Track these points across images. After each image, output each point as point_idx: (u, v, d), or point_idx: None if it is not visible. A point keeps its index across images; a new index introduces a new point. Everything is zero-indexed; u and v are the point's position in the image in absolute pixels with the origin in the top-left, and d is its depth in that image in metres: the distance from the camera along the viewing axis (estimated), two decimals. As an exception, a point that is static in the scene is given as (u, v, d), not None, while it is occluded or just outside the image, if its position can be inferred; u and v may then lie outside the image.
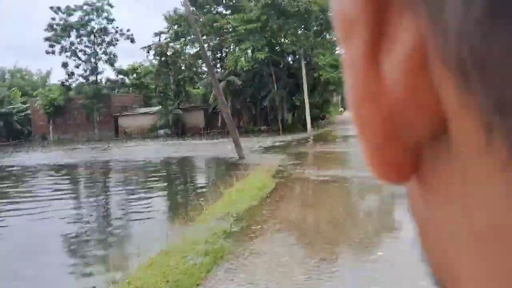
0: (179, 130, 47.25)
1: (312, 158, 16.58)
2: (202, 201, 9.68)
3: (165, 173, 17.45)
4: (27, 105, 52.58)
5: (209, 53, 50.87)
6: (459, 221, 0.17)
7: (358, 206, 8.78)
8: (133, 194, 12.76)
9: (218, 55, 50.35)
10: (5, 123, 50.51)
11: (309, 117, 39.98)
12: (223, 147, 25.21)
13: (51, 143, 49.28)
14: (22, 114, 52.41)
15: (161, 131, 48.31)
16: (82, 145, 41.59)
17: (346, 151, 18.49)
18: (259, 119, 45.79)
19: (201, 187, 13.04)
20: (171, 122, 46.33)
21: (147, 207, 10.51)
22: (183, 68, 46.55)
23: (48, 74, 73.34)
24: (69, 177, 18.13)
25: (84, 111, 49.95)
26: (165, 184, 14.87)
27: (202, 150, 25.02)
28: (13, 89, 54.46)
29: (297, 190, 10.14)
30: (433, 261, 0.20)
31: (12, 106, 50.97)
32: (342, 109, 75.02)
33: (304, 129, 39.85)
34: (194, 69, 49.29)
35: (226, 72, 43.64)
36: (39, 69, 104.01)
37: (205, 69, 53.04)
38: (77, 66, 48.92)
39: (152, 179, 15.63)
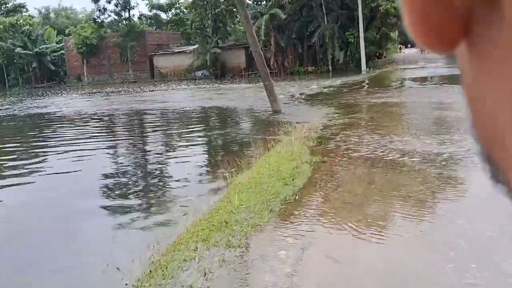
0: (218, 71, 43.00)
1: (368, 114, 12.03)
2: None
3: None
4: (62, 44, 49.78)
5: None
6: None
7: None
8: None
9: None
10: (39, 63, 48.18)
11: (364, 55, 34.43)
12: (262, 94, 20.94)
13: (85, 85, 46.77)
14: (56, 54, 49.79)
15: (199, 73, 44.29)
16: (117, 88, 38.56)
17: (414, 102, 13.70)
18: (306, 58, 40.54)
19: (202, 174, 8.99)
20: (209, 62, 42.04)
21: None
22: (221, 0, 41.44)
23: (93, 12, 70.18)
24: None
25: (118, 50, 46.58)
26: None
27: (238, 97, 20.82)
28: (47, 27, 51.54)
29: (348, 187, 5.85)
30: (482, 131, 0.20)
31: (45, 46, 48.31)
32: (401, 46, 67.46)
33: (358, 69, 34.50)
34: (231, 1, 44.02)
35: (270, 3, 38.23)
36: (84, 7, 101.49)
37: (248, 1, 47.90)
38: (108, 1, 44.93)
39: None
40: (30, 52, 47.42)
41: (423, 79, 22.73)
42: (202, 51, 42.61)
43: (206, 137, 11.42)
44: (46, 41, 50.13)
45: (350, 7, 36.21)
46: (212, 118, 14.93)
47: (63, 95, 35.59)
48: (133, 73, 47.14)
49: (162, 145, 11.27)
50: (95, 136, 12.57)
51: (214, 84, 35.12)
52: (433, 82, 21.12)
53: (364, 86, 21.85)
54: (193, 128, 13.25)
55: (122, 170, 8.63)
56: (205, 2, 40.93)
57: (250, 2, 46.54)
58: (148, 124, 15.38)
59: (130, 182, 7.62)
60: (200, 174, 7.73)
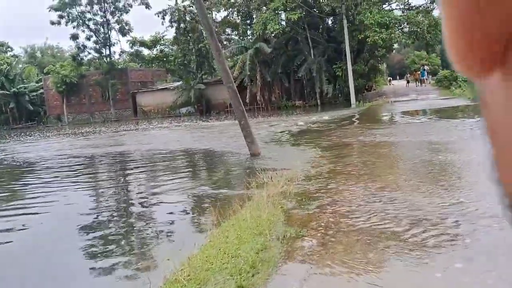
0: (203, 107, 41.48)
1: (360, 158, 10.21)
2: None
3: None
4: (41, 83, 48.18)
5: (237, 18, 44.66)
6: None
7: None
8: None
9: (248, 21, 43.71)
10: (16, 103, 46.37)
11: (353, 88, 33.10)
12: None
13: (65, 124, 44.92)
14: (35, 93, 48.10)
15: (183, 109, 42.75)
16: (99, 127, 36.76)
17: (411, 141, 12.01)
18: (293, 92, 39.21)
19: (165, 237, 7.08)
20: (194, 98, 40.56)
21: None
22: (204, 35, 40.33)
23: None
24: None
25: (99, 88, 45.05)
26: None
27: (219, 136, 19.01)
28: (26, 66, 50.09)
29: None
30: (507, 171, 0.18)
31: (23, 85, 46.65)
32: (390, 78, 66.78)
33: (347, 103, 33.09)
34: (221, 36, 42.98)
35: (254, 38, 37.12)
36: (71, 45, 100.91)
37: (233, 36, 46.92)
38: (88, 38, 43.67)
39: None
40: (8, 92, 45.70)
41: (416, 113, 21.20)
42: (186, 87, 41.21)
43: (154, 199, 9.50)
44: (25, 80, 48.54)
45: (337, 40, 35.21)
46: (180, 164, 13.02)
47: (35, 136, 33.62)
48: (115, 112, 45.49)
49: (104, 199, 9.33)
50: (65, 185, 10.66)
51: (197, 122, 33.46)
52: (427, 116, 19.56)
53: (354, 121, 20.24)
54: (147, 179, 11.37)
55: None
56: (188, 37, 39.81)
57: (235, 37, 45.67)
58: (106, 170, 13.47)
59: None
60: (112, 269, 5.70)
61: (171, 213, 7.24)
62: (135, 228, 6.67)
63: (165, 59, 50.44)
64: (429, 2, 32.84)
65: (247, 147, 12.31)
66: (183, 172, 11.37)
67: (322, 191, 7.11)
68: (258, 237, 5.04)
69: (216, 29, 44.34)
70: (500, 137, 0.18)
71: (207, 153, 14.49)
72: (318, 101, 36.89)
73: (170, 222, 6.67)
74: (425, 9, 32.88)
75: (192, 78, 41.09)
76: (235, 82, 39.30)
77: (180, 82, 42.64)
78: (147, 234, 6.28)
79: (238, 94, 12.51)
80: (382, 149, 10.94)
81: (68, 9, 42.36)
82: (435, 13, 33.19)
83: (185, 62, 41.02)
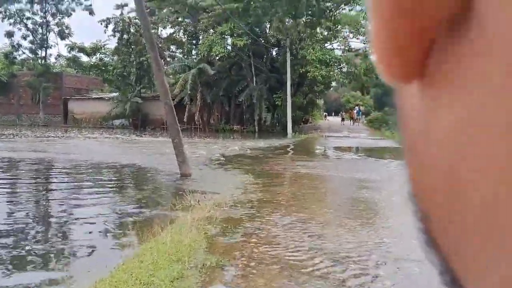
0: (138, 121, 40.36)
1: (290, 188, 10.18)
2: None
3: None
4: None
5: (183, 37, 44.41)
6: (481, 124, 0.14)
7: None
8: None
9: (194, 41, 43.58)
10: None
11: (291, 119, 33.75)
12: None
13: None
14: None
15: (117, 121, 41.37)
16: (25, 130, 34.47)
17: (342, 177, 12.23)
18: (232, 116, 39.28)
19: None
20: (129, 111, 39.41)
21: None
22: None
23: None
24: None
25: (30, 91, 42.57)
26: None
27: (151, 153, 18.32)
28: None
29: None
30: (426, 188, 0.18)
31: None
32: (325, 113, 69.12)
33: (284, 132, 33.63)
34: (164, 52, 42.42)
35: (198, 58, 36.99)
36: (6, 43, 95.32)
37: (178, 54, 46.51)
38: (24, 37, 41.39)
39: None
40: None
41: (348, 149, 21.86)
42: (123, 99, 40.01)
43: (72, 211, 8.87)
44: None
45: (280, 71, 35.95)
46: (103, 178, 12.33)
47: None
48: (44, 116, 43.06)
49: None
50: None
51: (130, 136, 32.38)
52: (358, 153, 20.20)
53: (289, 151, 20.46)
54: (71, 192, 10.66)
55: None
56: (130, 49, 38.91)
57: (179, 55, 45.30)
58: (18, 177, 12.46)
59: None
60: None
61: (84, 231, 6.69)
62: (38, 246, 6.06)
63: (103, 68, 48.81)
64: (367, 47, 34.57)
65: (178, 167, 11.93)
66: (105, 187, 10.73)
67: (249, 219, 6.91)
68: (176, 264, 4.72)
69: (160, 45, 43.90)
70: (416, 151, 0.18)
71: (134, 169, 13.88)
72: (256, 127, 37.18)
73: (82, 240, 6.14)
74: (363, 53, 34.54)
75: (130, 90, 40.01)
76: (174, 99, 38.76)
77: (117, 94, 41.35)
78: (53, 253, 5.72)
79: (175, 112, 12.17)
80: (313, 181, 11.01)
81: (5, 5, 40.08)
82: (372, 58, 34.92)
83: (125, 73, 39.94)
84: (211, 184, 10.64)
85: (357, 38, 34.60)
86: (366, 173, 12.54)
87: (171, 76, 41.48)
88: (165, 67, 40.76)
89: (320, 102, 68.70)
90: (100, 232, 6.59)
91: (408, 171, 0.19)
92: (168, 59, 46.39)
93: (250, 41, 35.34)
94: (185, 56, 43.06)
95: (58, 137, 29.56)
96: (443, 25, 0.15)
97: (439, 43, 0.16)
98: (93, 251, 5.81)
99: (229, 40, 36.45)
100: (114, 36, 40.44)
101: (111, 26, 39.37)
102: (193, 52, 43.07)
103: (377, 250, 5.44)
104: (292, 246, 5.50)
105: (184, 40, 44.21)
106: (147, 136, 31.74)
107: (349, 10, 35.28)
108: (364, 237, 5.92)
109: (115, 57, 43.49)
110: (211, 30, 37.52)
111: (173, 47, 47.20)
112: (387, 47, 0.16)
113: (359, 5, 33.89)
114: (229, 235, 6.00)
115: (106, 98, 42.16)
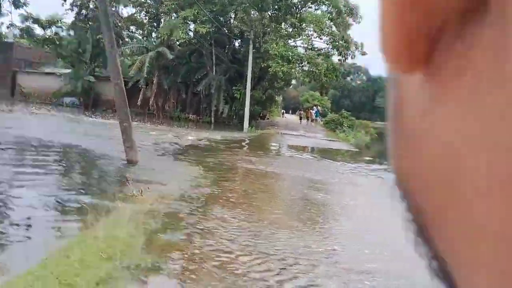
0: (90, 101, 38.69)
1: (242, 185, 9.74)
2: None
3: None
4: None
5: (145, 18, 42.94)
6: (484, 123, 0.14)
7: None
8: None
9: (155, 23, 42.17)
10: None
11: (248, 113, 33.37)
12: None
13: None
14: None
15: (67, 99, 39.45)
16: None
17: (295, 176, 11.98)
18: (189, 105, 38.42)
19: None
20: (81, 90, 37.70)
21: None
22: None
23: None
24: None
25: (-25, 59, 39.85)
26: None
27: (99, 135, 17.35)
28: None
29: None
30: (424, 183, 0.17)
31: None
32: (283, 111, 69.32)
33: (240, 126, 33.22)
34: (123, 32, 40.86)
35: (158, 41, 35.81)
36: None
37: (137, 35, 44.92)
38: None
39: None
40: None
41: (303, 149, 21.75)
42: (75, 77, 38.19)
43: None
44: None
45: (241, 62, 35.43)
46: (40, 159, 11.43)
47: None
48: (-12, 87, 40.40)
49: None
50: None
51: (79, 115, 30.90)
52: (313, 153, 20.10)
53: (244, 146, 20.07)
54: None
55: None
56: (87, 25, 37.17)
57: (139, 36, 43.77)
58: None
59: None
60: None
61: (7, 219, 5.98)
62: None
63: (58, 42, 46.37)
64: (330, 47, 34.65)
65: (125, 153, 11.25)
66: (41, 168, 9.89)
67: (195, 215, 6.45)
68: (106, 262, 4.20)
69: (119, 24, 42.25)
70: (415, 144, 0.18)
71: (77, 151, 13.02)
72: (212, 118, 36.55)
73: (3, 229, 5.46)
74: (326, 53, 34.62)
75: (83, 68, 38.25)
76: (129, 82, 37.46)
77: (70, 70, 39.44)
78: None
79: (126, 94, 11.46)
80: (266, 179, 10.67)
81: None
82: (334, 59, 35.14)
83: (79, 50, 38.14)
84: (158, 174, 10.06)
85: (321, 38, 34.60)
86: (321, 174, 12.35)
87: (128, 58, 40.04)
88: (122, 47, 39.36)
89: (279, 98, 68.72)
90: (24, 220, 5.90)
91: (400, 164, 0.19)
92: (127, 39, 44.80)
93: (213, 29, 34.58)
94: (145, 38, 41.63)
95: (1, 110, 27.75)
96: (455, 16, 0.15)
97: (449, 35, 0.16)
98: (15, 241, 5.16)
99: (192, 26, 35.54)
100: (72, 10, 38.48)
101: (69, 0, 37.37)
102: (154, 35, 41.71)
103: (328, 259, 5.13)
104: (238, 250, 5.09)
105: (145, 21, 42.74)
106: (97, 117, 30.38)
107: (315, 9, 35.25)
108: (315, 244, 5.61)
109: (71, 32, 41.45)
110: (174, 14, 36.45)
111: (133, 28, 45.58)
112: (394, 36, 0.16)
113: (325, 5, 33.90)
114: (171, 232, 5.52)
115: (58, 74, 40.12)
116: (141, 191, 7.33)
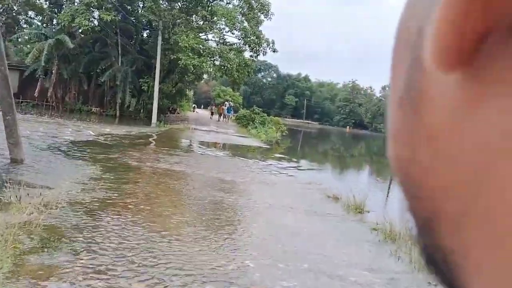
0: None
1: (145, 188, 8.75)
2: None
3: None
4: None
5: (44, 3, 39.32)
6: None
7: None
8: None
9: (56, 9, 38.75)
10: None
11: (157, 107, 31.88)
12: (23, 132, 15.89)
13: None
14: None
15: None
16: None
17: (203, 175, 11.25)
18: (92, 97, 35.88)
19: None
20: (-35, 77, 33.43)
21: None
22: (-3, 9, 34.15)
23: None
24: None
25: None
26: None
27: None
28: None
29: None
30: (435, 182, 0.17)
31: None
32: (194, 105, 68.03)
33: (148, 120, 31.67)
34: (17, 16, 37.06)
35: (58, 28, 32.87)
36: None
37: (37, 22, 40.98)
38: None
39: None
40: None
41: (214, 145, 21.06)
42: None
43: None
44: None
45: (149, 54, 33.76)
46: None
47: None
48: None
49: None
50: None
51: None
52: (224, 150, 19.48)
53: (151, 142, 18.88)
54: None
55: None
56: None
57: (39, 23, 40.01)
58: None
59: None
60: None
61: None
62: None
63: None
64: (242, 43, 34.27)
65: (8, 150, 9.70)
66: None
67: (84, 228, 5.43)
68: None
69: (15, 8, 38.33)
70: (436, 144, 0.17)
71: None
72: (118, 112, 34.48)
73: None
74: (237, 49, 34.20)
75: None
76: (26, 71, 34.01)
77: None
78: None
79: (10, 82, 9.90)
80: (172, 180, 9.77)
81: None
82: (246, 54, 34.84)
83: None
84: (46, 175, 8.75)
85: (233, 33, 34.10)
86: (231, 174, 11.73)
87: (28, 46, 36.36)
88: (18, 33, 35.65)
89: (190, 93, 67.29)
90: None
91: (413, 162, 0.19)
92: (25, 25, 40.80)
93: (119, 17, 32.54)
94: (45, 25, 38.12)
95: None
96: (505, 21, 0.15)
97: (496, 38, 0.15)
98: None
99: (96, 14, 33.09)
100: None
101: None
102: (55, 22, 38.36)
103: (238, 278, 4.46)
104: (132, 271, 4.23)
105: (45, 7, 39.19)
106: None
107: (226, 3, 34.65)
108: (224, 260, 4.91)
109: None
110: (77, 0, 33.76)
111: (32, 13, 41.63)
112: (445, 35, 0.16)
113: (236, -1, 33.49)
114: (49, 251, 4.49)
115: None
116: (19, 198, 6.12)
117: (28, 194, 6.47)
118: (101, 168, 10.10)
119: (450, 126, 0.17)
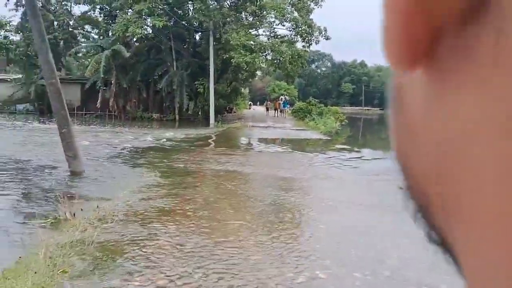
0: (44, 107, 36.34)
1: (204, 192, 8.39)
2: None
3: None
4: None
5: (99, 16, 40.73)
6: (483, 111, 0.15)
7: None
8: None
9: (111, 21, 39.95)
10: None
11: (214, 108, 31.93)
12: (85, 144, 16.41)
13: None
14: None
15: (21, 106, 37.08)
16: None
17: (267, 175, 10.76)
18: (151, 104, 36.61)
19: None
20: (34, 95, 35.41)
21: None
22: (55, 26, 35.70)
23: None
24: None
25: None
26: None
27: (47, 144, 15.61)
28: None
29: None
30: (422, 171, 0.18)
31: None
32: (250, 102, 67.97)
33: (206, 122, 31.77)
34: (74, 30, 38.58)
35: (113, 38, 33.80)
36: None
37: (94, 35, 42.57)
38: None
39: None
40: None
41: (271, 141, 20.54)
42: (27, 82, 35.85)
43: None
44: None
45: (203, 56, 33.83)
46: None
47: None
48: None
49: None
50: None
51: (33, 122, 28.77)
52: (283, 146, 18.85)
53: (210, 143, 18.75)
54: None
55: None
56: (35, 25, 34.77)
57: (96, 36, 41.51)
58: None
59: None
60: None
61: None
62: None
63: (8, 46, 43.55)
64: (293, 34, 33.51)
65: (67, 162, 9.76)
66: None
67: (141, 242, 5.11)
68: None
69: (71, 23, 39.94)
70: (417, 133, 0.18)
71: (17, 163, 11.38)
72: (177, 116, 34.90)
73: None
74: (289, 40, 33.48)
75: (35, 72, 35.88)
76: (87, 83, 35.31)
77: (21, 76, 37.00)
78: None
79: (62, 94, 9.98)
80: (232, 181, 9.38)
81: None
82: (298, 45, 34.03)
83: (29, 53, 35.65)
84: (105, 186, 8.66)
85: (283, 25, 33.42)
86: (294, 171, 11.17)
87: (89, 60, 37.73)
88: (75, 47, 37.12)
89: (246, 90, 67.36)
90: None
91: (403, 151, 0.20)
92: (83, 39, 42.44)
93: (171, 22, 32.88)
94: (101, 37, 39.46)
95: None
96: (456, 16, 0.15)
97: (450, 34, 0.16)
98: None
99: (148, 21, 33.67)
100: (17, 10, 35.99)
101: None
102: (110, 33, 39.59)
103: (309, 292, 3.91)
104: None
105: (100, 19, 40.56)
106: (51, 123, 28.25)
107: (275, -4, 34.00)
108: (292, 271, 4.37)
109: (19, 35, 38.92)
110: (130, 10, 34.49)
111: (88, 27, 43.26)
112: (398, 35, 0.16)
113: (284, -10, 32.69)
114: (101, 274, 4.17)
115: (9, 79, 37.57)
116: (73, 213, 5.93)
117: (82, 209, 6.28)
118: (160, 174, 9.91)
119: (423, 119, 0.18)
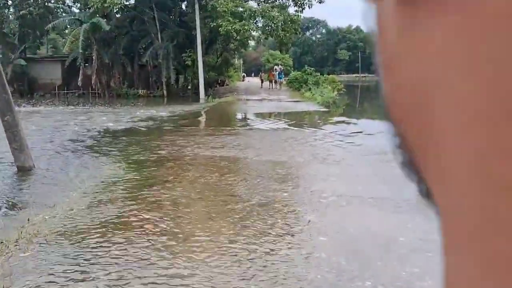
0: (24, 87, 34.40)
1: (186, 188, 6.71)
2: None
3: None
4: None
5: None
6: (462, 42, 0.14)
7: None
8: None
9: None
10: None
11: (203, 81, 30.00)
12: (70, 123, 14.69)
13: None
14: None
15: (-1, 87, 34.97)
16: None
17: (261, 161, 9.09)
18: (137, 79, 34.58)
19: None
20: (12, 75, 33.31)
21: None
22: (30, 0, 33.29)
23: None
24: None
25: None
26: None
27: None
28: None
29: None
30: (401, 106, 0.17)
31: None
32: (244, 74, 65.67)
33: (196, 97, 29.90)
34: (49, 4, 36.14)
35: (91, 10, 31.48)
36: None
37: (75, 9, 40.06)
38: None
39: None
40: None
41: (265, 116, 18.77)
42: (4, 62, 33.64)
43: None
44: None
45: (189, 25, 31.64)
46: None
47: None
48: None
49: None
50: None
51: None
52: (278, 121, 17.02)
53: (199, 121, 17.02)
54: None
55: None
56: (6, 1, 32.42)
57: (76, 10, 39.04)
58: None
59: None
60: None
61: None
62: None
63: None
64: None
65: (13, 156, 8.05)
66: None
67: (72, 278, 3.47)
68: None
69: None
70: (393, 71, 0.18)
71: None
72: (165, 92, 32.98)
73: None
74: (280, 5, 31.31)
75: (11, 51, 33.73)
76: (66, 60, 33.16)
77: (-3, 55, 34.89)
78: None
79: (4, 75, 8.18)
80: (214, 172, 7.70)
81: None
82: (291, 10, 31.87)
83: (4, 30, 33.41)
84: (53, 186, 6.97)
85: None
86: (290, 153, 9.51)
87: (69, 36, 35.48)
88: (53, 22, 34.78)
89: (239, 62, 65.01)
90: None
91: (385, 89, 0.19)
92: (64, 14, 40.00)
93: (152, -10, 30.63)
94: (82, 10, 37.08)
95: None
96: None
97: None
98: None
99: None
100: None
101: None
102: (88, 4, 37.13)
103: None
104: None
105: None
106: (30, 106, 26.35)
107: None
108: None
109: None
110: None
111: (68, 1, 40.76)
112: None
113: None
114: None
115: (-17, 60, 35.44)
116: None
117: (3, 225, 4.63)
118: (126, 165, 8.24)
119: (397, 55, 0.17)
